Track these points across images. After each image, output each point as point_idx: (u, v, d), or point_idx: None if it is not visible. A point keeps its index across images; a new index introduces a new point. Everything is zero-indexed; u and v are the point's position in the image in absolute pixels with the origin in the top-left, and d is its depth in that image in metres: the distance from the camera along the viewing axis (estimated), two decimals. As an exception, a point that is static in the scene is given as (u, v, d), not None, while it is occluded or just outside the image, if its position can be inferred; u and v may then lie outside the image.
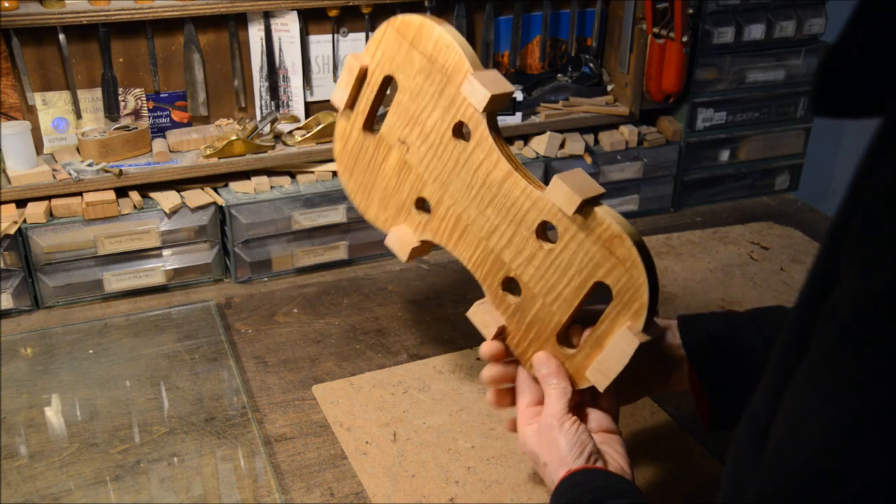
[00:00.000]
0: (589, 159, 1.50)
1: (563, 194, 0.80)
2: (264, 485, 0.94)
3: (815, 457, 0.45)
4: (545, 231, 0.85)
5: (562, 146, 1.50)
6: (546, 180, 1.45)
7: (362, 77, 0.96)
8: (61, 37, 1.25)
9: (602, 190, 0.81)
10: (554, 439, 0.79)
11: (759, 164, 1.67)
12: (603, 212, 0.79)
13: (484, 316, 0.89)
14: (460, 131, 0.90)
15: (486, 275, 0.89)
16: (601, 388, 0.81)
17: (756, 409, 0.57)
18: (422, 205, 0.95)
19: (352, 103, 0.97)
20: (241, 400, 1.07)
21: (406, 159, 0.94)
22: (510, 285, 0.88)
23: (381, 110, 0.98)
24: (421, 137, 0.92)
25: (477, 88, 0.85)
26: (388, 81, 0.96)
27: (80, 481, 0.94)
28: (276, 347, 1.18)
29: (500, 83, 0.87)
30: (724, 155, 1.64)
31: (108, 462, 0.97)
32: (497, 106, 0.87)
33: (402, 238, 0.95)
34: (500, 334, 0.88)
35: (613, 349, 0.80)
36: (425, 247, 0.96)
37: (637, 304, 0.78)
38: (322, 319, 1.25)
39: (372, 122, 0.98)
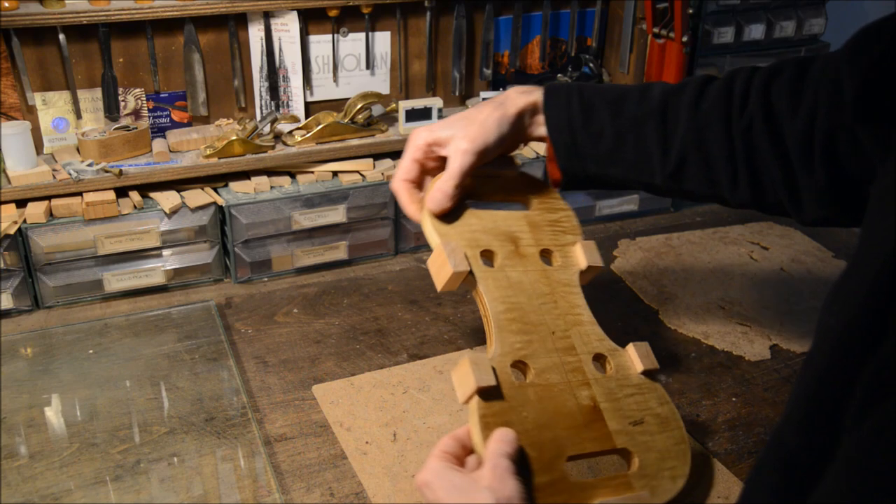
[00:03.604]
0: (589, 159, 1.50)
1: (638, 356, 0.92)
2: (264, 485, 0.94)
3: None
4: (599, 360, 0.92)
5: (562, 146, 1.50)
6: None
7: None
8: (61, 37, 1.25)
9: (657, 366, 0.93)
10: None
11: (759, 164, 1.67)
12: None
13: (480, 365, 0.80)
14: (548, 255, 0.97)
15: (506, 343, 0.85)
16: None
17: (782, 442, 0.57)
18: (486, 255, 0.92)
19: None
20: (241, 400, 1.07)
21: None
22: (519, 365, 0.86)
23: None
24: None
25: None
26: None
27: (80, 481, 0.94)
28: (276, 347, 1.18)
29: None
30: (724, 155, 1.63)
31: (108, 462, 0.97)
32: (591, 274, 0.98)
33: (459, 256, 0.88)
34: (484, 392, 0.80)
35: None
36: (466, 278, 0.89)
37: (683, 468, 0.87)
38: (322, 319, 1.25)
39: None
